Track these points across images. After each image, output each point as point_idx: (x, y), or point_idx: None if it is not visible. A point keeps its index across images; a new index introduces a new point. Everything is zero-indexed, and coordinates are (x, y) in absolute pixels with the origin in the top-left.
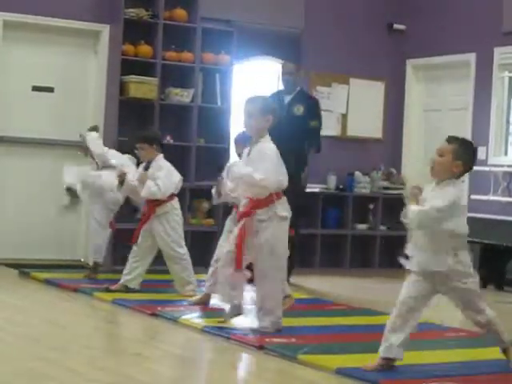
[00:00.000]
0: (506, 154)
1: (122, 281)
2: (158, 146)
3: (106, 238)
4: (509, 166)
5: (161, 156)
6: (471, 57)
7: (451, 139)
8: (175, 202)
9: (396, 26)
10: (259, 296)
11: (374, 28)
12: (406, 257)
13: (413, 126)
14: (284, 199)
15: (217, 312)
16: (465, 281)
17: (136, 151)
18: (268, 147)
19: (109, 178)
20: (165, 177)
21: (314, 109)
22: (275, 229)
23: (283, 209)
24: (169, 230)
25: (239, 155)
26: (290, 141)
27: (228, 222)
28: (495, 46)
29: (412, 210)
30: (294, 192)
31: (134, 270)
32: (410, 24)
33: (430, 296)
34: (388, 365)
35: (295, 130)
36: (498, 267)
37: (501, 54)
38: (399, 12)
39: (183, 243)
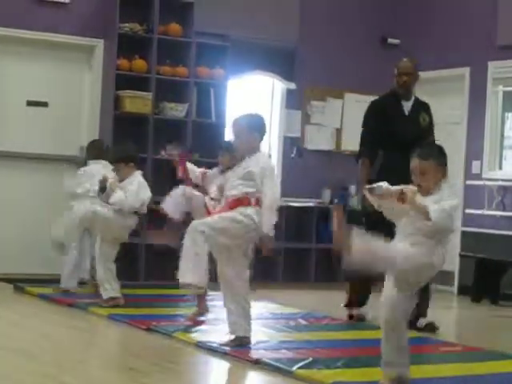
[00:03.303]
0: (500, 168)
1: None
2: (135, 164)
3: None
4: (503, 180)
5: (137, 173)
6: (465, 71)
7: (425, 155)
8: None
9: (390, 40)
10: None
11: (368, 42)
12: None
13: None
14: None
15: (213, 326)
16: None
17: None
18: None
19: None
20: (134, 190)
21: (432, 119)
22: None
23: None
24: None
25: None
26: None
27: None
28: (489, 60)
29: (433, 208)
30: None
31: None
32: (404, 38)
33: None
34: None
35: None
36: (492, 281)
37: (495, 68)
38: (393, 26)
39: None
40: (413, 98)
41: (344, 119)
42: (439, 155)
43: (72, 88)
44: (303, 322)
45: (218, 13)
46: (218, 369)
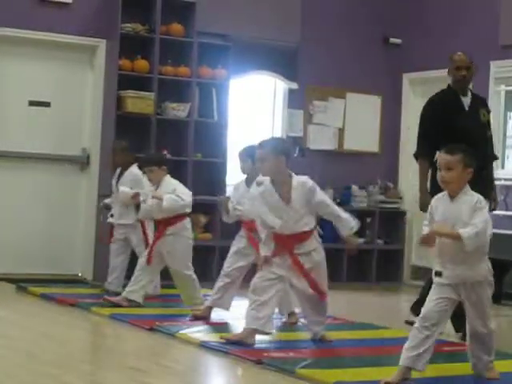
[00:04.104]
0: (503, 167)
1: (123, 293)
2: (166, 167)
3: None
4: (506, 179)
5: (168, 176)
6: None
7: (453, 150)
8: (187, 222)
9: (392, 40)
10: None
11: (370, 42)
12: (436, 273)
13: (409, 140)
14: None
15: (216, 327)
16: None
17: (144, 174)
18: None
19: None
20: (182, 190)
21: (490, 114)
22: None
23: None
24: (177, 252)
25: (244, 170)
26: (484, 154)
27: (235, 242)
28: (491, 59)
29: (467, 235)
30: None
31: (137, 283)
32: (406, 38)
33: (452, 308)
34: (408, 373)
35: (483, 141)
36: (495, 281)
37: (497, 67)
38: (395, 26)
39: (190, 264)
40: (469, 93)
41: (346, 119)
42: (466, 154)
43: (74, 88)
44: (305, 321)
45: (219, 13)
46: (221, 369)
